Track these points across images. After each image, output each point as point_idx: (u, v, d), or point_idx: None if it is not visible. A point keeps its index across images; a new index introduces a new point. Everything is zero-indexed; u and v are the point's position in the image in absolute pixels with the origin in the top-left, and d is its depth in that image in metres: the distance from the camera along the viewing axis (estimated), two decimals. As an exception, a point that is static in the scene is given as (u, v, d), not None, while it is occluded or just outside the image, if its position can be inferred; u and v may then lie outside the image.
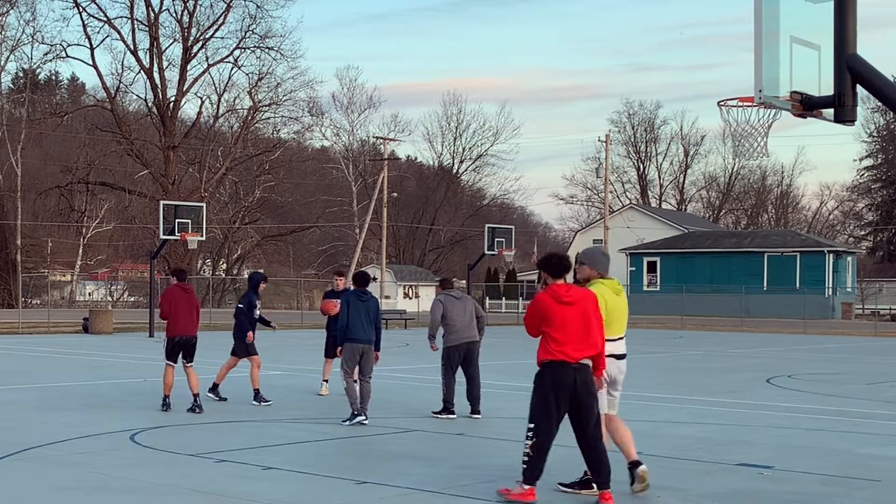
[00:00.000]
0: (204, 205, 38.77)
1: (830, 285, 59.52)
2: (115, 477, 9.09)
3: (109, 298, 70.55)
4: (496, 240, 43.61)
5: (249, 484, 8.82)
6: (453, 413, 13.10)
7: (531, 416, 8.07)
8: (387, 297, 69.42)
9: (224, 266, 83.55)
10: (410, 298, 72.47)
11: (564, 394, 8.00)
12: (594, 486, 8.23)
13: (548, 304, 8.10)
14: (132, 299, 71.58)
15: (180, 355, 13.99)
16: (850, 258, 64.13)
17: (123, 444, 10.91)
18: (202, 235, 36.00)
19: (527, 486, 8.06)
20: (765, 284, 59.86)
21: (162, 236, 35.12)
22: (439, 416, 13.14)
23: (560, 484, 8.59)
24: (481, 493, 8.48)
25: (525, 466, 8.05)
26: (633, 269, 65.64)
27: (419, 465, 9.73)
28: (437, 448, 10.84)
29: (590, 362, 8.14)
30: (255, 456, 10.15)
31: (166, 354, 13.98)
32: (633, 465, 8.56)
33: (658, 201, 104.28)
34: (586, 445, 8.11)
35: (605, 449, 8.21)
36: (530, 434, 8.04)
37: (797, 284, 58.42)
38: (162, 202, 37.05)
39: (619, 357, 8.57)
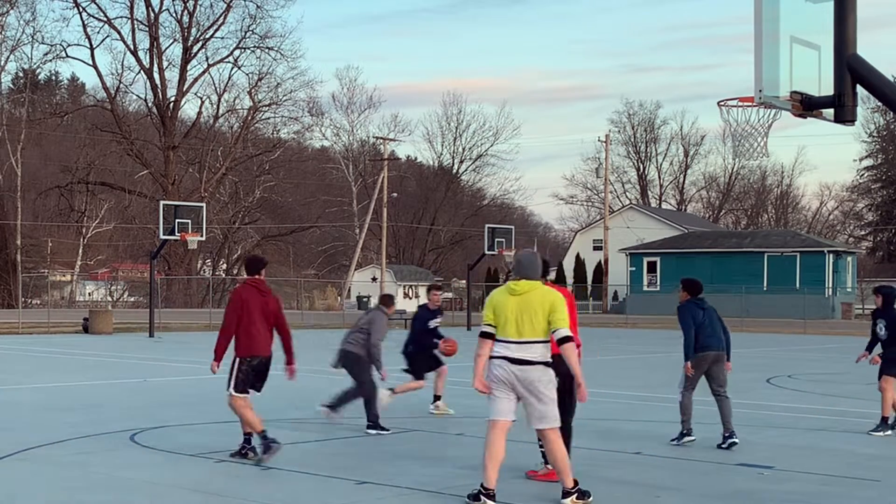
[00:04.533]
0: (204, 205, 38.79)
1: (830, 285, 59.50)
2: (115, 477, 9.09)
3: (109, 298, 70.53)
4: (496, 240, 43.59)
5: (249, 484, 8.82)
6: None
7: None
8: (387, 297, 69.34)
9: (224, 266, 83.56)
10: (410, 298, 72.47)
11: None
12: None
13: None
14: (132, 299, 71.55)
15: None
16: (850, 258, 64.11)
17: (123, 444, 10.91)
18: (202, 235, 36.02)
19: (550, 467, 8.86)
20: (765, 284, 59.84)
21: (162, 236, 35.14)
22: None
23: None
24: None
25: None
26: (633, 269, 65.61)
27: (419, 465, 9.73)
28: (437, 448, 10.83)
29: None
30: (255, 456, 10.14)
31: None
32: (486, 492, 8.08)
33: (658, 201, 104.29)
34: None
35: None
36: None
37: (797, 284, 58.40)
38: (162, 202, 37.09)
39: (514, 362, 7.97)
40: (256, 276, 10.14)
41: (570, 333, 8.02)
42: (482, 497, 8.04)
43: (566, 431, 8.90)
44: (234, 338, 9.85)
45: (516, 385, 7.99)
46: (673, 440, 11.29)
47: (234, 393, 9.82)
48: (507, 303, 8.03)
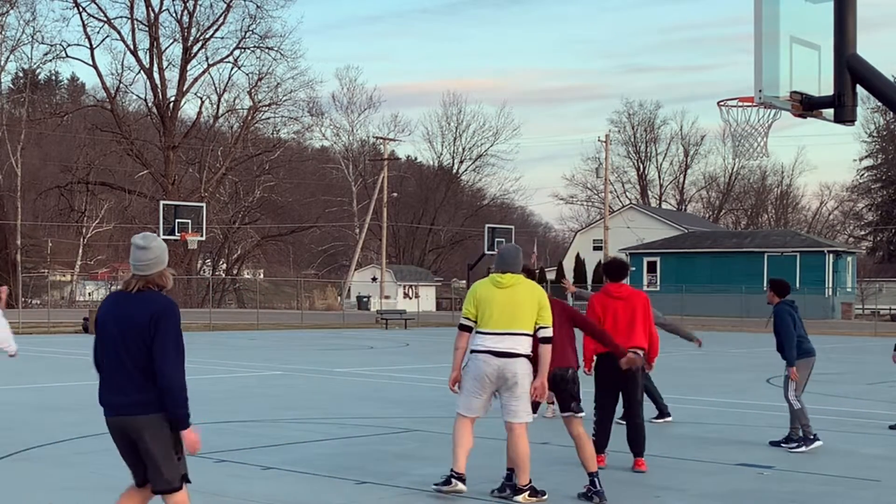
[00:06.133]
0: (204, 205, 38.85)
1: (830, 285, 59.51)
2: (115, 477, 9.08)
3: (109, 298, 70.38)
4: (496, 240, 43.64)
5: (249, 484, 8.82)
6: None
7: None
8: (387, 297, 69.44)
9: (224, 266, 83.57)
10: (410, 298, 72.45)
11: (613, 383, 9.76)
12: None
13: (599, 300, 9.84)
14: (132, 299, 71.46)
15: None
16: (850, 258, 64.11)
17: (123, 444, 10.89)
18: (202, 235, 36.09)
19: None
20: (765, 284, 59.61)
21: (162, 236, 35.13)
22: None
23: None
24: (481, 493, 8.48)
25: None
26: (633, 269, 65.58)
27: (419, 465, 9.73)
28: (437, 448, 10.83)
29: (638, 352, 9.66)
30: (255, 456, 10.15)
31: None
32: (457, 476, 8.25)
33: (658, 201, 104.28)
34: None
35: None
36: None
37: (797, 284, 58.31)
38: (162, 202, 37.14)
39: (499, 354, 7.95)
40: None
41: (551, 334, 8.13)
42: (452, 480, 8.24)
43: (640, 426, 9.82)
44: None
45: (498, 379, 8.01)
46: (796, 446, 11.03)
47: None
48: (492, 296, 8.06)
